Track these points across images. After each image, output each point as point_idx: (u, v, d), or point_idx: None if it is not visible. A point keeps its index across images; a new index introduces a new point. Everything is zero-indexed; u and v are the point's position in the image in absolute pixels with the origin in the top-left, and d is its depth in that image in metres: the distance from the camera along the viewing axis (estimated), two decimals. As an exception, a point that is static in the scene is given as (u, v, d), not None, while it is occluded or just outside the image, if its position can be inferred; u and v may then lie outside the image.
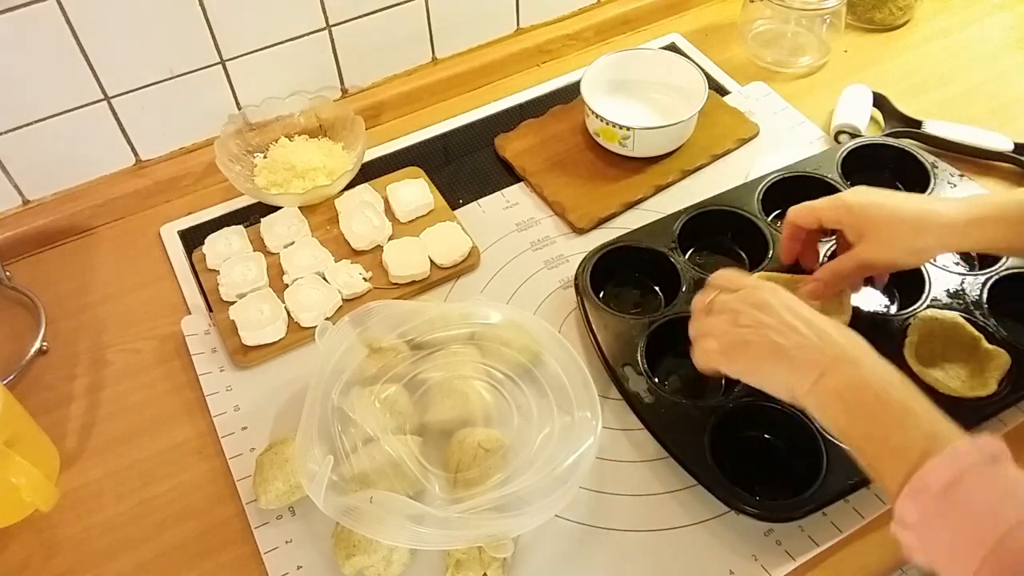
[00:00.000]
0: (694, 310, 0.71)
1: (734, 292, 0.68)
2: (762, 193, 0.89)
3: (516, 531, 0.67)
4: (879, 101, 1.03)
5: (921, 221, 0.70)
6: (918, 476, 0.52)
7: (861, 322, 0.77)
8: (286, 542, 0.71)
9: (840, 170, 0.91)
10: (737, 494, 0.68)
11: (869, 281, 0.80)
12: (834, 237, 0.80)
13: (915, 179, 0.91)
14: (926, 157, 0.92)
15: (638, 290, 0.86)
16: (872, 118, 1.02)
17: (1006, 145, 0.95)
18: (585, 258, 0.85)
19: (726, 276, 0.71)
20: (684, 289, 0.82)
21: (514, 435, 0.73)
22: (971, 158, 0.96)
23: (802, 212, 0.75)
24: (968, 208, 0.70)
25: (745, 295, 0.66)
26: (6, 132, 0.89)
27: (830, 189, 0.89)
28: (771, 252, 0.84)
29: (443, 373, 0.76)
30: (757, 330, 0.63)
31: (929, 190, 0.89)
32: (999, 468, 0.51)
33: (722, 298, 0.68)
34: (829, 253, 0.82)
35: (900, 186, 0.93)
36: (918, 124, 0.99)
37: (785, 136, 1.02)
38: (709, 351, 0.67)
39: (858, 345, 0.61)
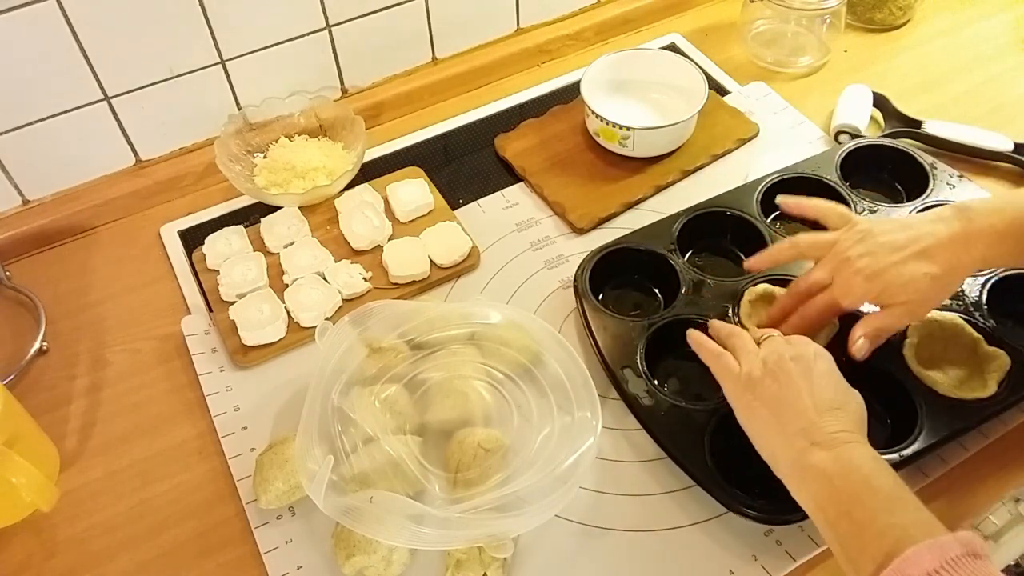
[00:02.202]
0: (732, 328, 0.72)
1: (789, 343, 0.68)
2: (761, 195, 0.89)
3: (516, 531, 0.67)
4: (879, 101, 1.03)
5: (943, 284, 0.68)
6: (897, 563, 0.51)
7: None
8: (286, 542, 0.71)
9: (839, 171, 0.91)
10: (736, 495, 0.68)
11: None
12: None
13: (914, 180, 0.91)
14: (925, 158, 0.92)
15: (637, 292, 0.86)
16: (872, 118, 1.02)
17: (1006, 145, 0.95)
18: (584, 260, 0.85)
19: (793, 331, 0.71)
20: (683, 291, 0.82)
21: (514, 435, 0.73)
22: (971, 158, 0.96)
23: (821, 317, 0.73)
24: (967, 252, 0.68)
25: (793, 342, 0.67)
26: (6, 132, 0.89)
27: (829, 190, 0.89)
28: None
29: (443, 373, 0.76)
30: (773, 372, 0.64)
31: (928, 191, 0.89)
32: (980, 564, 0.51)
33: (773, 337, 0.69)
34: None
35: (899, 187, 0.93)
36: (918, 124, 0.99)
37: (785, 136, 1.02)
38: (727, 369, 0.68)
39: (859, 428, 0.62)
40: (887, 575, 0.51)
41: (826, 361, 0.66)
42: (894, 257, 0.68)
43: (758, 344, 0.69)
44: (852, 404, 0.63)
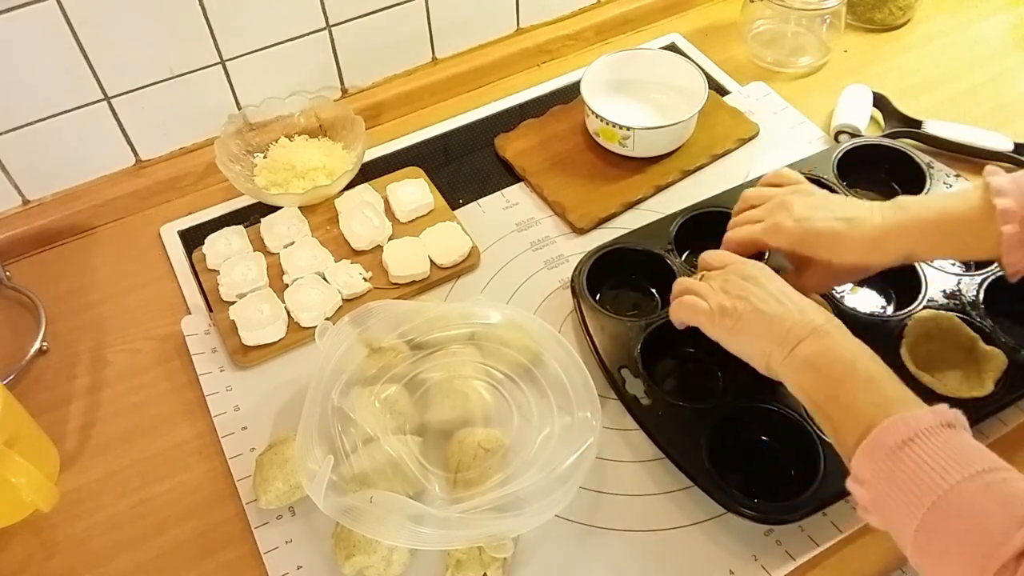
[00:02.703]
0: (679, 281, 0.74)
1: (722, 268, 0.72)
2: None
3: (516, 531, 0.67)
4: (879, 101, 1.03)
5: (869, 245, 0.70)
6: (874, 434, 0.55)
7: (857, 323, 0.77)
8: (286, 542, 0.71)
9: (836, 171, 0.91)
10: (734, 496, 0.68)
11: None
12: None
13: (911, 179, 0.91)
14: (921, 157, 0.92)
15: (635, 292, 0.86)
16: (872, 118, 1.02)
17: (1006, 145, 0.95)
18: (581, 261, 0.85)
19: (715, 255, 0.74)
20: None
21: (514, 435, 0.73)
22: (971, 158, 0.96)
23: (740, 243, 0.76)
24: (883, 222, 0.70)
25: (735, 268, 0.71)
26: (6, 132, 0.89)
27: (826, 189, 0.89)
28: (767, 253, 0.84)
29: (443, 373, 0.76)
30: (745, 299, 0.67)
31: (925, 190, 0.89)
32: (952, 432, 0.54)
33: (712, 272, 0.72)
34: None
35: (896, 186, 0.93)
36: (918, 124, 0.99)
37: (785, 136, 1.02)
38: (697, 309, 0.69)
39: (833, 321, 0.65)
40: (864, 446, 0.55)
41: (770, 272, 0.70)
42: (827, 214, 0.72)
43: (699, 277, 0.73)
44: (812, 303, 0.67)
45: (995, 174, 0.67)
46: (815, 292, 0.75)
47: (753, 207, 0.78)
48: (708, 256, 0.75)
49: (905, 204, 0.70)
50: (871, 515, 0.56)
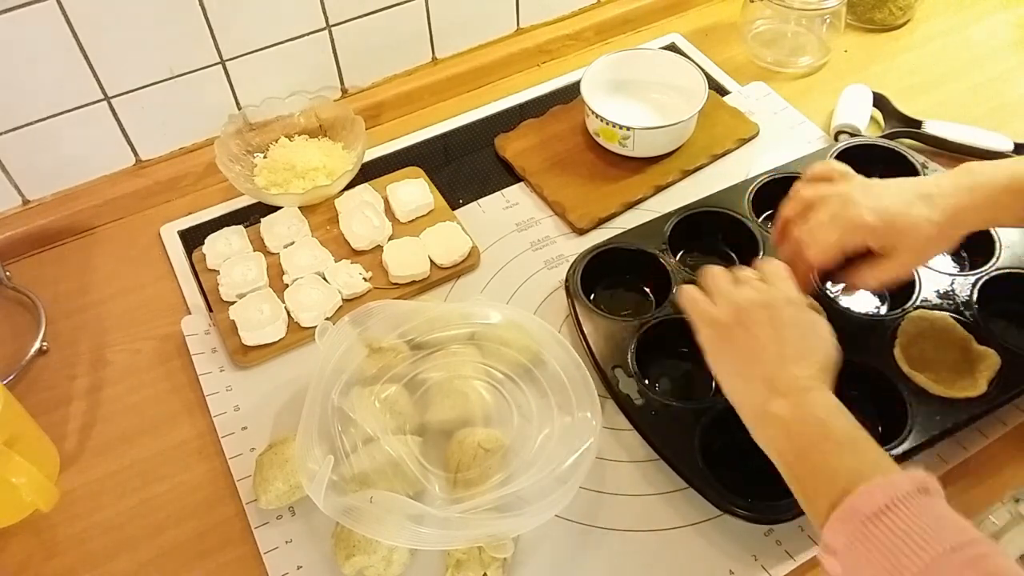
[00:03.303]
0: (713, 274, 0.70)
1: (765, 282, 0.67)
2: (752, 194, 0.89)
3: (516, 531, 0.67)
4: (879, 101, 1.03)
5: (942, 232, 0.68)
6: (849, 500, 0.52)
7: (851, 323, 0.78)
8: (286, 542, 0.71)
9: None
10: (727, 495, 0.68)
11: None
12: None
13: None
14: (916, 157, 0.92)
15: (630, 292, 0.86)
16: (872, 118, 1.02)
17: (1006, 145, 0.95)
18: (575, 260, 0.85)
19: (775, 269, 0.69)
20: (674, 291, 0.82)
21: (514, 435, 0.73)
22: (971, 158, 0.96)
23: (826, 253, 0.70)
24: (970, 195, 0.68)
25: (773, 290, 0.66)
26: (6, 132, 0.89)
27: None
28: (761, 253, 0.84)
29: (443, 373, 0.76)
30: (742, 320, 0.64)
31: None
32: (930, 500, 0.52)
33: (750, 276, 0.68)
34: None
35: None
36: (918, 124, 0.99)
37: (785, 136, 1.02)
38: (698, 307, 0.67)
39: (818, 375, 0.62)
40: (839, 513, 0.52)
41: (795, 308, 0.65)
42: (898, 199, 0.68)
43: (735, 283, 0.68)
44: (818, 353, 0.63)
45: None
46: (894, 283, 0.72)
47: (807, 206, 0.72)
48: (767, 265, 0.69)
49: (976, 170, 0.68)
50: None
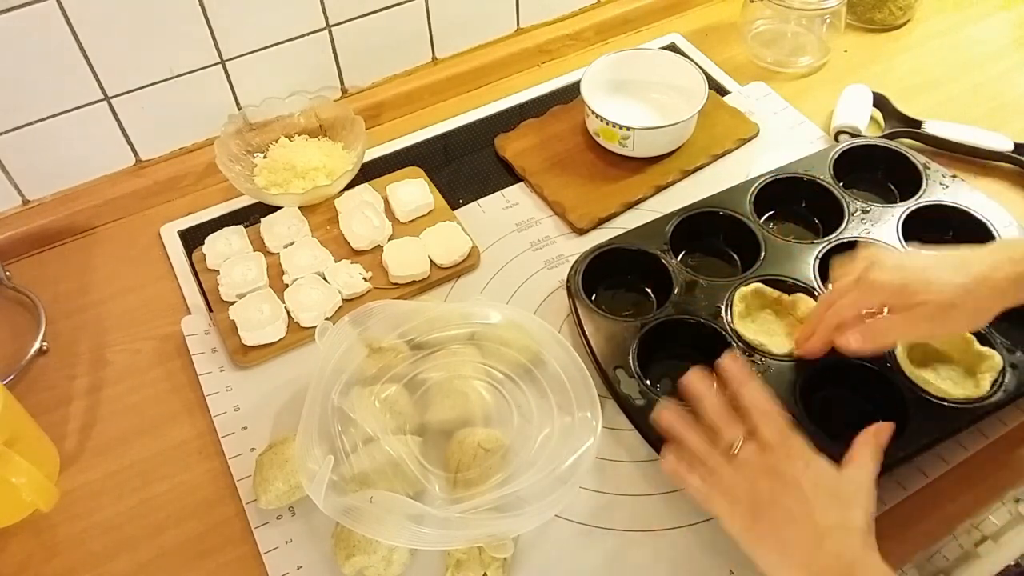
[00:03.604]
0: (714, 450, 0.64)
1: (763, 444, 0.62)
2: (754, 195, 0.89)
3: (516, 531, 0.67)
4: (879, 101, 1.03)
5: (977, 304, 0.64)
6: None
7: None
8: (286, 542, 0.71)
9: (832, 171, 0.91)
10: None
11: None
12: None
13: (907, 179, 0.91)
14: (918, 158, 0.92)
15: (631, 292, 0.86)
16: (872, 118, 1.02)
17: (1006, 145, 0.95)
18: (576, 260, 0.85)
19: (759, 409, 0.64)
20: (676, 291, 0.82)
21: (514, 435, 0.73)
22: (971, 158, 0.96)
23: (841, 315, 0.68)
24: (1012, 266, 0.63)
25: (774, 460, 0.61)
26: (6, 132, 0.89)
27: (822, 190, 0.89)
28: (763, 254, 0.84)
29: (443, 373, 0.76)
30: (774, 499, 0.59)
31: (921, 190, 0.89)
32: None
33: (747, 452, 0.62)
34: None
35: (892, 187, 0.93)
36: (918, 124, 0.99)
37: (785, 136, 1.02)
38: (716, 502, 0.62)
39: (869, 540, 0.57)
40: None
41: (815, 469, 0.60)
42: (924, 262, 0.65)
43: (734, 452, 0.62)
44: (856, 509, 0.58)
45: None
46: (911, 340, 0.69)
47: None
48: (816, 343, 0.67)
49: (1015, 254, 0.63)
50: None
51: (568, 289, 0.84)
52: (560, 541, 0.70)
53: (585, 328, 0.80)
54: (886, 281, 0.65)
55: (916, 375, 0.73)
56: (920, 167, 0.91)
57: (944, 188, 0.89)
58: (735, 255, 0.88)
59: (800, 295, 0.80)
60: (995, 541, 0.73)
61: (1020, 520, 0.74)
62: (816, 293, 0.80)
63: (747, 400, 0.64)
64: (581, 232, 0.93)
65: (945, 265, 0.65)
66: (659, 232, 0.87)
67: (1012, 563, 0.74)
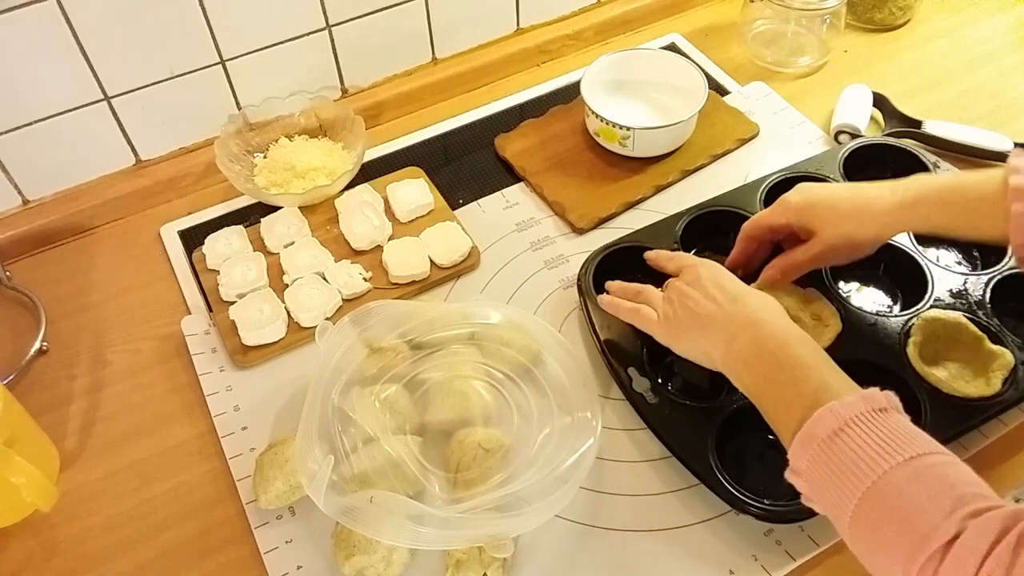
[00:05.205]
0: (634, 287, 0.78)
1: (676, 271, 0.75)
2: (764, 194, 0.89)
3: (516, 531, 0.67)
4: (879, 101, 1.03)
5: (860, 212, 0.73)
6: (807, 426, 0.56)
7: (865, 323, 0.78)
8: (286, 542, 0.71)
9: (842, 170, 0.91)
10: (741, 494, 0.68)
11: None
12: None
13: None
14: (928, 157, 0.92)
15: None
16: (872, 118, 1.02)
17: (1006, 145, 0.95)
18: (588, 259, 0.85)
19: (665, 255, 0.79)
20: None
21: (514, 435, 0.73)
22: (971, 158, 0.96)
23: (753, 225, 0.79)
24: (904, 193, 0.71)
25: (684, 273, 0.73)
26: (6, 132, 0.89)
27: None
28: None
29: (443, 373, 0.76)
30: (682, 304, 0.70)
31: None
32: (884, 417, 0.54)
33: (671, 281, 0.75)
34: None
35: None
36: (918, 124, 0.99)
37: (785, 136, 1.02)
38: (647, 318, 0.73)
39: (765, 308, 0.66)
40: (798, 438, 0.56)
41: (711, 268, 0.72)
42: (829, 189, 0.77)
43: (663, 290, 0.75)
44: (749, 299, 0.68)
45: (1020, 156, 0.66)
46: (820, 257, 0.76)
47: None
48: (657, 257, 0.80)
49: (924, 176, 0.72)
50: (814, 504, 0.57)
51: (579, 287, 0.84)
52: (560, 541, 0.70)
53: (596, 326, 0.80)
54: (793, 201, 0.76)
55: (928, 373, 0.73)
56: (930, 166, 0.91)
57: None
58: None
59: (813, 289, 0.80)
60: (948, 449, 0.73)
61: (1020, 520, 0.74)
62: (828, 285, 0.81)
63: (677, 260, 0.77)
64: (581, 232, 0.93)
65: (842, 191, 0.76)
66: (670, 231, 0.87)
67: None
